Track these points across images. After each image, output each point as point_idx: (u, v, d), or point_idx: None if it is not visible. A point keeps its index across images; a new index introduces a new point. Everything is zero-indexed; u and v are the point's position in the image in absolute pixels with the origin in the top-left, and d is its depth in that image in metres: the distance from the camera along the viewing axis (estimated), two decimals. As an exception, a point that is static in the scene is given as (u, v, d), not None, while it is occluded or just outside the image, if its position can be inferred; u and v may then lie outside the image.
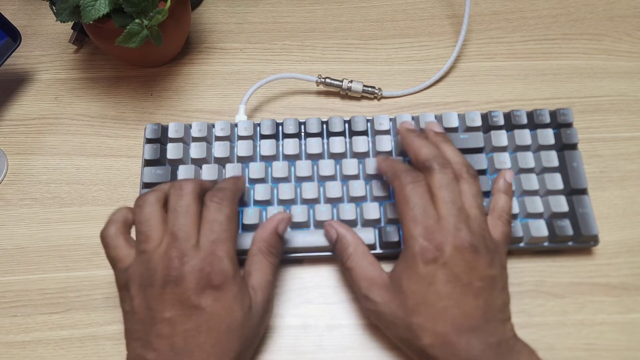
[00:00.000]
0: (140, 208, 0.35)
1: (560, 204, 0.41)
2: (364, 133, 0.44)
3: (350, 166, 0.43)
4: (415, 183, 0.35)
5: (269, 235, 0.37)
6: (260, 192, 0.42)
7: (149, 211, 0.34)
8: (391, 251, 0.41)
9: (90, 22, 0.41)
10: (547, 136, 0.43)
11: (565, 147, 0.43)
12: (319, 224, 0.41)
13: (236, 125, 0.45)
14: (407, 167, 0.37)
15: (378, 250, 0.41)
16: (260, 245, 0.37)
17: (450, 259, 0.33)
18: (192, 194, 0.35)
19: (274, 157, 0.44)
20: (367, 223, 0.41)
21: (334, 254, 0.40)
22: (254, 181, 0.43)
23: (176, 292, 0.32)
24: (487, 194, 0.42)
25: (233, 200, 0.36)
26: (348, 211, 0.41)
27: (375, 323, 0.38)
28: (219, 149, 0.43)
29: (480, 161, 0.42)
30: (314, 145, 0.43)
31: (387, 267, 0.42)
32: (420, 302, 0.33)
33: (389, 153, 0.43)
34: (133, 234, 0.36)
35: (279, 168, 0.43)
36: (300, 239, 0.40)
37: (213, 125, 0.45)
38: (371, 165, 0.42)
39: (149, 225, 0.34)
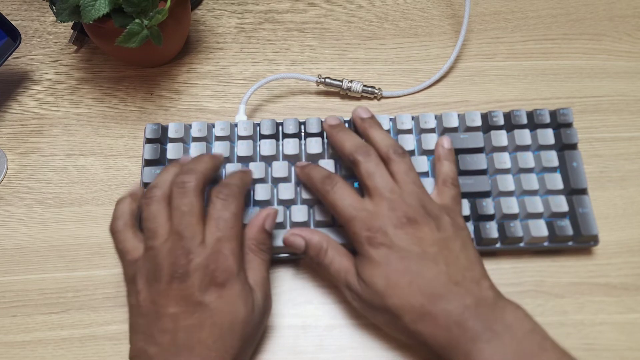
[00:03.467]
0: (147, 205, 0.36)
1: (560, 203, 0.41)
2: (364, 133, 0.44)
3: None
4: (333, 187, 0.37)
5: (256, 233, 0.37)
6: (260, 192, 0.42)
7: (155, 208, 0.35)
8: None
9: (90, 22, 0.41)
10: (547, 136, 0.43)
11: (565, 147, 0.43)
12: (319, 224, 0.41)
13: (236, 125, 0.45)
14: (321, 174, 0.38)
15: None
16: (249, 243, 0.37)
17: (395, 237, 0.34)
18: (194, 191, 0.35)
19: (274, 157, 0.44)
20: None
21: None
22: (254, 181, 0.42)
23: (181, 288, 0.33)
24: (487, 194, 0.42)
25: (239, 196, 0.36)
26: (348, 211, 0.41)
27: (361, 312, 0.38)
28: (219, 149, 0.43)
29: (480, 161, 0.42)
30: (314, 145, 0.43)
31: (387, 267, 0.42)
32: (386, 285, 0.34)
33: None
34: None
35: (279, 168, 0.43)
36: (300, 239, 0.40)
37: (213, 125, 0.45)
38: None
39: (156, 222, 0.35)
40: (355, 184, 0.41)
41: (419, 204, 0.36)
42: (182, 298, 0.33)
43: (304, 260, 0.42)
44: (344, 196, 0.36)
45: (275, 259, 0.41)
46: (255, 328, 0.35)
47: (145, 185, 0.42)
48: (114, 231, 0.37)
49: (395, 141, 0.39)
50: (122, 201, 0.38)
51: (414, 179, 0.37)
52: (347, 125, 0.45)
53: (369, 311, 0.36)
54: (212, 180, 0.38)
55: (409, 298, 0.33)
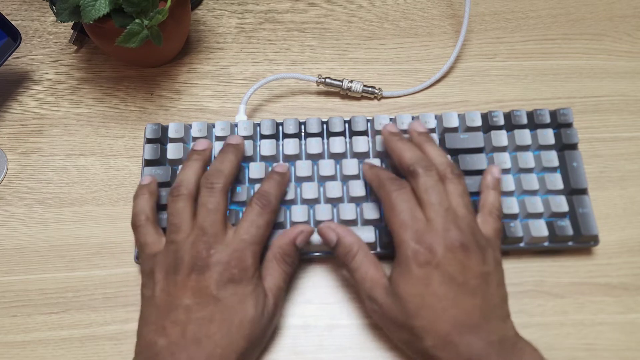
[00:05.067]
0: (174, 202, 0.37)
1: (560, 203, 0.41)
2: (364, 133, 0.44)
3: (350, 166, 0.43)
4: (400, 190, 0.36)
5: (286, 245, 0.38)
6: (260, 192, 0.42)
7: (181, 205, 0.36)
8: (391, 251, 0.41)
9: (90, 22, 0.41)
10: (547, 136, 0.43)
11: (565, 147, 0.43)
12: (319, 224, 0.41)
13: (236, 125, 0.45)
14: (390, 176, 0.38)
15: (378, 250, 0.41)
16: (276, 251, 0.37)
17: (443, 259, 0.33)
18: (222, 192, 0.37)
19: (274, 157, 0.43)
20: (367, 223, 0.41)
21: (334, 256, 0.40)
22: (254, 181, 0.43)
23: (199, 280, 0.34)
24: (487, 194, 0.42)
25: (275, 207, 0.38)
26: (348, 211, 0.41)
27: (379, 324, 0.38)
28: (219, 149, 0.43)
29: (480, 161, 0.42)
30: (314, 145, 0.43)
31: (388, 267, 0.42)
32: (419, 306, 0.33)
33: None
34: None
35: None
36: (300, 239, 0.40)
37: (213, 125, 0.45)
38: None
39: (180, 218, 0.36)
40: None
41: (471, 232, 0.35)
42: (198, 290, 0.33)
43: (303, 260, 0.42)
44: (405, 199, 0.36)
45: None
46: (262, 332, 0.36)
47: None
48: (135, 226, 0.38)
49: (451, 160, 0.38)
50: (141, 197, 0.39)
51: (467, 203, 0.36)
52: (346, 125, 0.45)
53: (389, 325, 0.35)
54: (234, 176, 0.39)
55: (438, 323, 0.33)
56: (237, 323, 0.34)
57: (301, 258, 0.41)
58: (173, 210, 0.36)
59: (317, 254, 0.41)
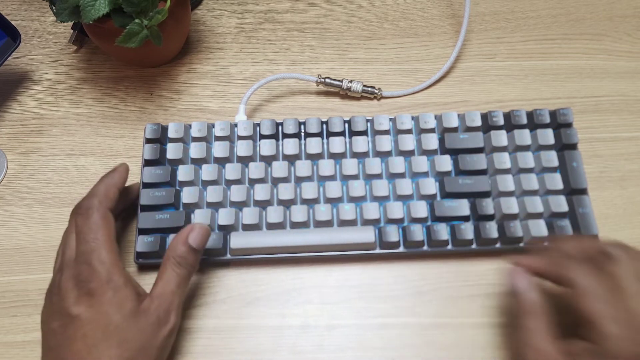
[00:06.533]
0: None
1: (560, 203, 0.41)
2: (363, 133, 0.44)
3: (350, 166, 0.43)
4: (593, 274, 0.32)
5: (176, 245, 0.36)
6: (260, 192, 0.42)
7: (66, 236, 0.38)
8: (390, 251, 0.41)
9: (90, 22, 0.41)
10: (547, 136, 0.43)
11: (565, 147, 0.43)
12: (319, 224, 0.41)
13: (236, 125, 0.45)
14: (573, 257, 0.33)
15: (378, 250, 0.41)
16: (168, 254, 0.36)
17: None
18: (74, 215, 0.37)
19: (273, 157, 0.43)
20: (367, 223, 0.41)
21: (333, 256, 0.40)
22: (253, 181, 0.43)
23: (58, 302, 0.34)
24: (486, 194, 0.42)
25: (99, 207, 0.36)
26: (348, 211, 0.41)
27: None
28: (219, 149, 0.43)
29: (480, 161, 0.42)
30: (313, 145, 0.43)
31: (389, 269, 0.42)
32: None
33: (388, 153, 0.43)
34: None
35: (279, 168, 0.43)
36: (300, 238, 0.40)
37: (213, 125, 0.45)
38: (372, 165, 0.42)
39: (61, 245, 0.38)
40: None
41: None
42: (59, 312, 0.34)
43: (303, 260, 0.42)
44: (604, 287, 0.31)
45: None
46: (144, 337, 0.34)
47: (145, 185, 0.42)
48: None
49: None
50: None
51: None
52: (345, 125, 0.45)
53: None
54: (115, 198, 0.38)
55: None
56: (101, 334, 0.32)
57: (301, 258, 0.41)
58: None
59: (317, 254, 0.41)
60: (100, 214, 0.36)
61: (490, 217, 0.41)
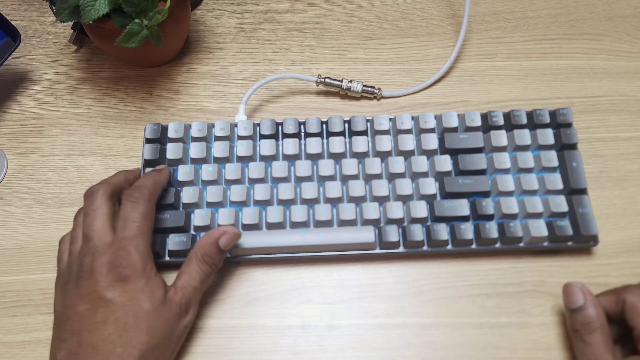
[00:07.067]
0: (76, 217, 0.40)
1: (560, 203, 0.41)
2: (363, 133, 0.44)
3: (350, 166, 0.43)
4: None
5: (208, 245, 0.37)
6: (260, 192, 0.42)
7: (80, 219, 0.39)
8: (390, 251, 0.41)
9: (90, 22, 0.41)
10: (547, 136, 0.43)
11: (565, 147, 0.43)
12: (319, 224, 0.41)
13: (236, 125, 0.45)
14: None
15: (377, 250, 0.41)
16: (197, 250, 0.37)
17: None
18: (102, 197, 0.37)
19: (273, 157, 0.44)
20: (367, 223, 0.41)
21: (332, 257, 0.40)
22: (253, 181, 0.43)
23: (87, 286, 0.34)
24: (486, 194, 0.42)
25: (149, 198, 0.38)
26: (348, 211, 0.41)
27: None
28: (219, 149, 0.43)
29: (480, 161, 0.42)
30: (313, 145, 0.43)
31: (389, 269, 0.42)
32: None
33: (388, 153, 0.43)
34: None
35: (279, 168, 0.43)
36: (300, 238, 0.40)
37: (213, 125, 0.45)
38: (371, 165, 0.42)
39: (77, 230, 0.38)
40: None
41: None
42: (88, 295, 0.34)
43: (303, 260, 0.42)
44: None
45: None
46: (166, 324, 0.35)
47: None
48: (59, 242, 0.40)
49: None
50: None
51: None
52: (345, 125, 0.45)
53: None
54: (125, 188, 0.39)
55: None
56: (133, 319, 0.33)
57: (300, 258, 0.42)
58: (74, 225, 0.39)
59: (317, 254, 0.41)
60: (149, 205, 0.37)
61: (490, 217, 0.41)
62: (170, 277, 0.38)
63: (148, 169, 0.43)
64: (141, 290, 0.34)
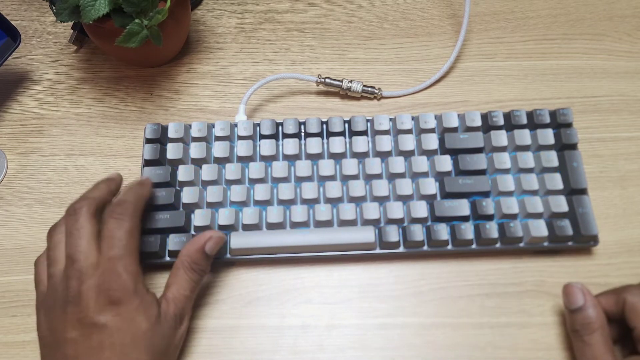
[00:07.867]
0: (51, 236, 0.36)
1: (560, 203, 0.41)
2: (363, 133, 0.44)
3: (350, 166, 0.43)
4: None
5: (194, 252, 0.37)
6: (260, 192, 0.42)
7: (57, 238, 0.36)
8: (391, 251, 0.41)
9: (90, 22, 0.41)
10: (547, 136, 0.43)
11: (565, 147, 0.43)
12: (319, 224, 0.41)
13: (236, 125, 0.45)
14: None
15: (378, 250, 0.41)
16: (183, 259, 0.37)
17: None
18: (85, 215, 0.35)
19: (273, 157, 0.44)
20: (367, 223, 0.41)
21: (331, 256, 0.40)
22: (253, 181, 0.43)
23: (76, 311, 0.33)
24: (486, 194, 0.42)
25: (133, 214, 0.36)
26: (348, 211, 0.41)
27: None
28: (219, 149, 0.43)
29: (480, 161, 0.42)
30: (313, 145, 0.43)
31: (389, 269, 0.42)
32: None
33: (388, 153, 0.43)
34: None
35: (279, 168, 0.43)
36: (300, 238, 0.40)
37: (213, 125, 0.45)
38: (372, 165, 0.42)
39: (57, 250, 0.35)
40: None
41: None
42: (78, 321, 0.32)
43: (303, 260, 0.42)
44: None
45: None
46: (164, 340, 0.35)
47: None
48: (35, 263, 0.37)
49: None
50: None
51: None
52: (345, 125, 0.45)
53: None
54: (108, 201, 0.37)
55: None
56: (131, 341, 0.33)
57: (300, 258, 0.41)
58: (50, 244, 0.36)
59: (317, 254, 0.41)
60: (134, 221, 0.36)
61: (490, 217, 0.41)
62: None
63: (147, 168, 0.43)
64: (136, 311, 0.33)
